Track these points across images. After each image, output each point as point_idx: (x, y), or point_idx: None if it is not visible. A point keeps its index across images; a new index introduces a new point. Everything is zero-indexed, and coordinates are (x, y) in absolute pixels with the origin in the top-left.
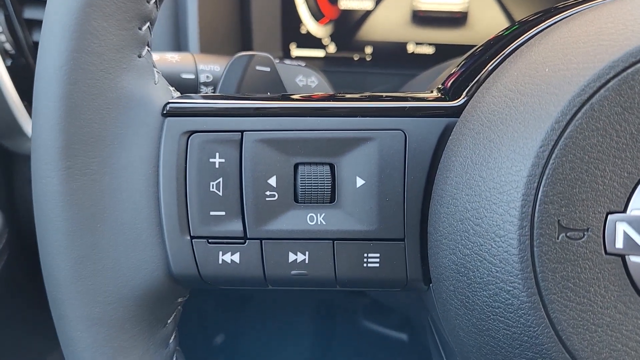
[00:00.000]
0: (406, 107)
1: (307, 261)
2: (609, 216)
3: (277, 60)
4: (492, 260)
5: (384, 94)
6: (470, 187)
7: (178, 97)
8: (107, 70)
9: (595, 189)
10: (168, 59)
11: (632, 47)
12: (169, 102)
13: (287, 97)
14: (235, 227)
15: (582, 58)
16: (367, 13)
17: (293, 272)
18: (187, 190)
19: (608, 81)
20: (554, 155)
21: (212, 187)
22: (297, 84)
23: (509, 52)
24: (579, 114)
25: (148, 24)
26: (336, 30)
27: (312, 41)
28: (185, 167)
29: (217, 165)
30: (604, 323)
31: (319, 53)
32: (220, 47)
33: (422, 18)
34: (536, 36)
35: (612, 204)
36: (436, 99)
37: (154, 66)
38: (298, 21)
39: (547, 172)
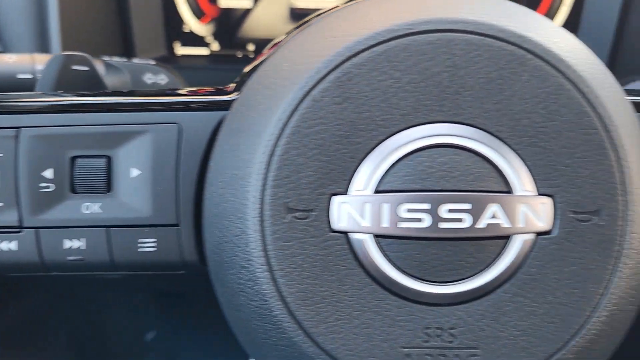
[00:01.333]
0: (180, 101)
1: (83, 247)
2: (333, 197)
3: (126, 60)
4: (234, 240)
5: (168, 89)
6: (221, 173)
7: None
8: None
9: (319, 173)
10: (4, 59)
11: (350, 42)
12: None
13: (65, 95)
14: (12, 217)
15: (310, 54)
16: (247, 11)
17: (69, 257)
18: None
19: (327, 74)
20: (280, 144)
21: None
22: (145, 81)
23: (274, 49)
24: (302, 105)
25: None
26: (218, 28)
27: (195, 40)
28: None
29: None
30: (330, 295)
31: (203, 51)
32: (96, 48)
33: (299, 15)
34: (296, 33)
35: (335, 186)
36: (211, 93)
37: None
38: (180, 20)
39: (274, 159)
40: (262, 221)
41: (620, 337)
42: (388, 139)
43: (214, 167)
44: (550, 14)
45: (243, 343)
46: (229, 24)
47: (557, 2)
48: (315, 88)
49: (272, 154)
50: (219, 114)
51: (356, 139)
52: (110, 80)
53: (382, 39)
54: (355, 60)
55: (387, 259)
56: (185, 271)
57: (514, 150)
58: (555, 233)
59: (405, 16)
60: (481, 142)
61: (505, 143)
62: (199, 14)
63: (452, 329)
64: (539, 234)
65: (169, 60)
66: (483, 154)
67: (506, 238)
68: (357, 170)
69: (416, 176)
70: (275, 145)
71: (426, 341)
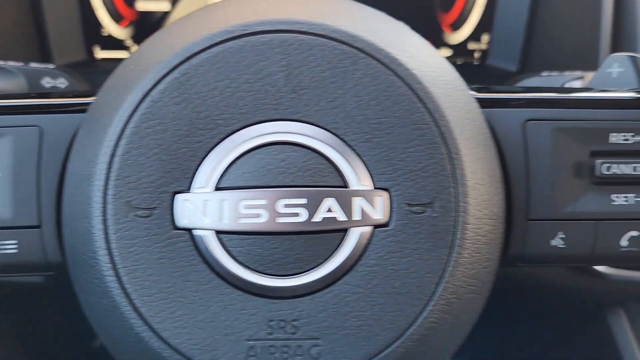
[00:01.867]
0: (42, 104)
1: None
2: (176, 195)
3: (22, 64)
4: (82, 239)
5: (34, 93)
6: (72, 174)
7: None
8: None
9: (161, 172)
10: None
11: (187, 43)
12: None
13: None
14: None
15: (152, 55)
16: (165, 14)
17: None
18: None
19: (166, 75)
20: (122, 144)
21: None
22: (43, 85)
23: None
24: (142, 106)
25: None
26: (137, 31)
27: (114, 43)
28: None
29: None
30: (175, 291)
31: (123, 54)
32: (12, 53)
33: None
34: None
35: (177, 184)
36: (75, 96)
37: None
38: (98, 24)
39: (115, 159)
40: (105, 220)
41: (466, 325)
42: (227, 138)
43: (68, 168)
44: (464, 14)
45: (103, 341)
46: (147, 27)
47: (471, 3)
48: (154, 89)
49: (113, 154)
50: (79, 116)
51: (196, 138)
52: (3, 84)
53: (218, 40)
54: (193, 61)
55: (230, 255)
56: (53, 272)
57: (350, 146)
58: (391, 225)
59: (242, 18)
60: (317, 139)
61: (342, 139)
62: (117, 17)
63: (295, 320)
64: (376, 226)
65: (89, 64)
66: (319, 151)
67: (344, 231)
68: (199, 168)
69: (254, 173)
70: (116, 145)
71: (270, 333)
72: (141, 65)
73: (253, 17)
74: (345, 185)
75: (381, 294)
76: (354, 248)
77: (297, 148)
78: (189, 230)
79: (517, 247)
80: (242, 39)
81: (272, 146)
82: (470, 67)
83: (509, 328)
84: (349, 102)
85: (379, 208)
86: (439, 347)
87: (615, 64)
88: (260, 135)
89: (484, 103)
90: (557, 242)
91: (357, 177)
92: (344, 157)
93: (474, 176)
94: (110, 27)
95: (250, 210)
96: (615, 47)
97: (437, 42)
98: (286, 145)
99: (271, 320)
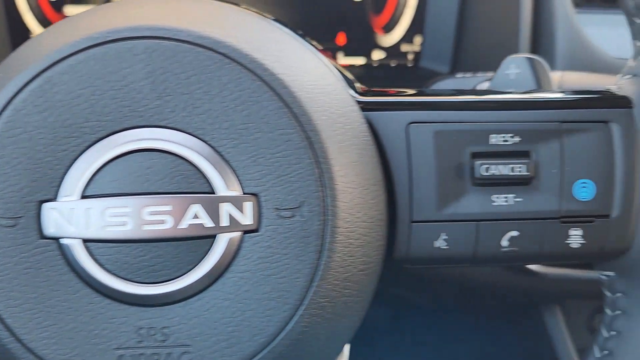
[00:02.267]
0: None
1: None
2: (42, 204)
3: None
4: None
5: None
6: None
7: None
8: None
9: (26, 181)
10: None
11: (51, 50)
12: None
13: None
14: None
15: (18, 63)
16: None
17: None
18: None
19: (28, 83)
20: None
21: None
22: None
23: None
24: (4, 114)
25: None
26: None
27: None
28: None
29: None
30: (42, 301)
31: None
32: None
33: None
34: None
35: (43, 193)
36: None
37: None
38: (26, 29)
39: None
40: None
41: (346, 328)
42: (93, 145)
43: None
44: (396, 17)
45: None
46: None
47: (402, 6)
48: (16, 97)
49: None
50: None
51: (62, 147)
52: None
53: (81, 47)
54: (56, 68)
55: (97, 263)
56: None
57: (218, 152)
58: (261, 231)
59: (106, 24)
60: (184, 146)
61: (209, 145)
62: (44, 22)
63: (165, 328)
64: (245, 232)
65: None
66: (186, 157)
67: (212, 237)
68: (65, 176)
69: (120, 181)
70: None
71: (140, 341)
72: (5, 73)
73: (117, 23)
74: (213, 192)
75: (252, 299)
76: (222, 254)
77: (163, 155)
78: (56, 239)
79: (401, 249)
80: (105, 46)
81: (139, 153)
82: (404, 68)
83: (449, 327)
84: (215, 108)
85: (247, 213)
86: (315, 350)
87: (513, 66)
88: (127, 142)
89: (366, 106)
90: (441, 243)
91: (225, 183)
92: (211, 163)
93: (345, 180)
94: (38, 32)
95: (116, 218)
96: (535, 46)
97: (370, 44)
98: (153, 152)
99: (141, 329)
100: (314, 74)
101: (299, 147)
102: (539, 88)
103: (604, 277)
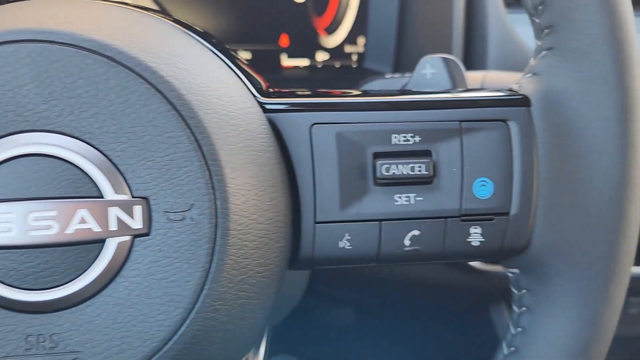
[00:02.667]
0: None
1: None
2: None
3: None
4: None
5: None
6: None
7: None
8: None
9: None
10: None
11: None
12: None
13: None
14: None
15: None
16: None
17: None
18: None
19: None
20: None
21: None
22: None
23: None
24: None
25: None
26: None
27: None
28: None
29: None
30: None
31: None
32: None
33: None
34: None
35: None
36: None
37: None
38: None
39: None
40: None
41: (246, 330)
42: None
43: None
44: (338, 18)
45: None
46: None
47: (344, 7)
48: None
49: None
50: None
51: None
52: None
53: None
54: None
55: None
56: None
57: (106, 156)
58: (151, 235)
59: None
60: (71, 150)
61: (97, 149)
62: None
63: (54, 335)
64: (136, 236)
65: None
66: (73, 162)
67: (102, 242)
68: None
69: (5, 186)
70: None
71: (28, 349)
72: None
73: (0, 27)
74: (101, 196)
75: (143, 304)
76: (112, 259)
77: (50, 159)
78: None
79: (306, 250)
80: None
81: (25, 158)
82: (348, 69)
83: (395, 327)
84: (102, 111)
85: (137, 217)
86: (211, 355)
87: (428, 65)
88: (12, 147)
89: (269, 108)
90: (344, 243)
91: (113, 187)
92: (99, 168)
93: (237, 182)
94: None
95: (0, 224)
96: (468, 46)
97: (314, 45)
98: (39, 157)
99: (29, 336)
100: (208, 76)
101: (188, 150)
102: (454, 87)
103: (509, 274)
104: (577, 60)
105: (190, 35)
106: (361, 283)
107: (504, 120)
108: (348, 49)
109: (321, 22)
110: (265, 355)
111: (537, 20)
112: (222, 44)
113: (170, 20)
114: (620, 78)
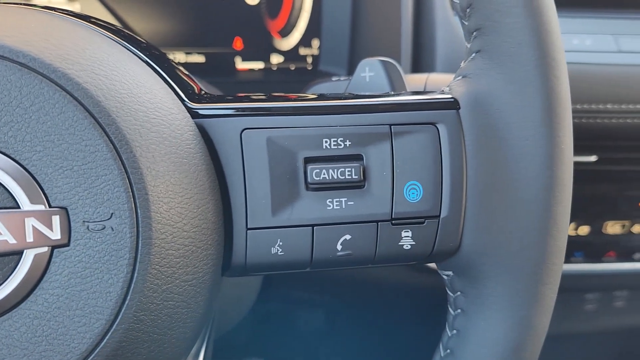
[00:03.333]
0: None
1: None
2: None
3: None
4: None
5: None
6: None
7: None
8: None
9: None
10: None
11: None
12: None
13: None
14: None
15: None
16: None
17: None
18: None
19: None
20: None
21: None
22: None
23: None
24: None
25: None
26: None
27: None
28: None
29: None
30: None
31: None
32: None
33: None
34: None
35: None
36: None
37: None
38: None
39: None
40: None
41: (178, 340)
42: None
43: None
44: (292, 21)
45: None
46: None
47: (297, 10)
48: None
49: None
50: None
51: None
52: None
53: None
54: None
55: None
56: None
57: (22, 166)
58: (71, 245)
59: None
60: None
61: (12, 159)
62: None
63: None
64: (55, 247)
65: None
66: None
67: (19, 254)
68: None
69: None
70: None
71: None
72: None
73: None
74: (17, 207)
75: (64, 316)
76: (30, 271)
77: None
78: None
79: (239, 256)
80: None
81: None
82: (304, 72)
83: (359, 327)
84: (17, 120)
85: (55, 228)
86: None
87: (367, 68)
88: None
89: (199, 113)
90: (277, 249)
91: (29, 198)
92: (14, 178)
93: (160, 189)
94: None
95: None
96: (417, 49)
97: (268, 48)
98: None
99: None
100: (131, 82)
101: (107, 158)
102: (393, 90)
103: (444, 276)
104: (504, 63)
105: (114, 40)
106: (325, 285)
107: (433, 124)
108: (303, 51)
109: (275, 25)
110: None
111: (466, 23)
112: (152, 48)
113: (94, 24)
114: (545, 80)
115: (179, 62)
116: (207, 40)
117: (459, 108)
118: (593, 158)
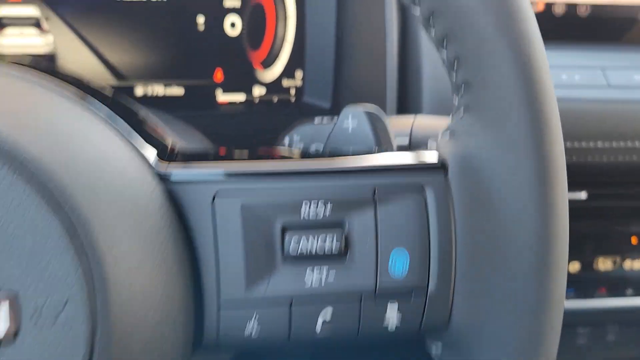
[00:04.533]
0: None
1: None
2: None
3: None
4: None
5: None
6: None
7: None
8: None
9: None
10: None
11: None
12: None
13: None
14: None
15: None
16: None
17: None
18: None
19: None
20: None
21: None
22: None
23: None
24: None
25: None
26: None
27: None
28: None
29: None
30: None
31: None
32: None
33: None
34: None
35: None
36: None
37: None
38: None
39: None
40: None
41: None
42: None
43: None
44: (274, 52)
45: None
46: None
47: (280, 40)
48: None
49: None
50: None
51: None
52: None
53: None
54: None
55: None
56: None
57: None
58: (18, 338)
59: None
60: None
61: None
62: None
63: None
64: (1, 340)
65: None
66: None
67: None
68: None
69: None
70: None
71: None
72: None
73: None
74: None
75: None
76: None
77: None
78: None
79: (210, 334)
80: None
81: None
82: (287, 104)
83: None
84: None
85: (2, 317)
86: None
87: (350, 117)
88: None
89: (170, 180)
90: (252, 325)
91: None
92: None
93: (119, 273)
94: None
95: None
96: (403, 84)
97: (250, 80)
98: None
99: None
100: (89, 151)
101: (61, 240)
102: (376, 143)
103: (433, 346)
104: (493, 123)
105: (74, 100)
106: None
107: (419, 188)
108: (286, 83)
109: (257, 56)
110: None
111: (453, 76)
112: (119, 102)
113: (57, 79)
114: (538, 143)
115: (157, 95)
116: (186, 71)
117: (447, 171)
118: (583, 195)
